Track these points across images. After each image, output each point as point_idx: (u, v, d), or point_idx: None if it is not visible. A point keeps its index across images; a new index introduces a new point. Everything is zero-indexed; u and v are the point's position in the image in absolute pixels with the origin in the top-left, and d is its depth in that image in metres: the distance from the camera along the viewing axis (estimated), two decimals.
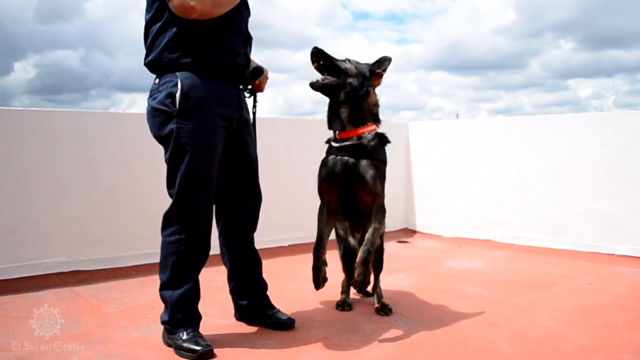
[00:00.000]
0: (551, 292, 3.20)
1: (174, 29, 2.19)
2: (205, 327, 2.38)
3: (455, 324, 2.62)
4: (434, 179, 5.32)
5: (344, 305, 2.89)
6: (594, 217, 4.15)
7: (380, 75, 2.63)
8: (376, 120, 2.65)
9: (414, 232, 5.41)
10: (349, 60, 2.62)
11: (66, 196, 3.48)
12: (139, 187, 3.74)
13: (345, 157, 2.55)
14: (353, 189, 2.56)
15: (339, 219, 2.83)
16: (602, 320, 2.65)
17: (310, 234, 4.51)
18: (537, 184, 4.50)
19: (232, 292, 2.61)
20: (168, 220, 2.27)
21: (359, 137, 2.56)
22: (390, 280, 3.39)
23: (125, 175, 3.71)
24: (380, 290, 2.92)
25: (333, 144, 2.62)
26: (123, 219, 3.69)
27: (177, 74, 2.19)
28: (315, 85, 2.56)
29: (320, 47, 2.55)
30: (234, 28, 2.32)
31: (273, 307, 2.61)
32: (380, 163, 2.59)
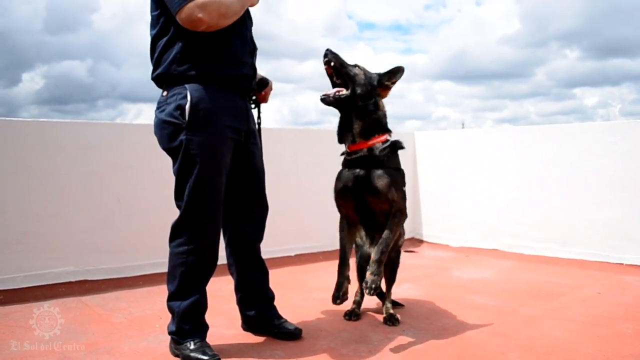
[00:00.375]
0: (560, 302, 3.18)
1: (181, 42, 2.21)
2: (213, 337, 2.37)
3: (463, 334, 2.61)
4: (440, 189, 5.31)
5: (351, 314, 2.88)
6: (602, 226, 4.12)
7: (388, 87, 2.65)
8: (387, 131, 2.64)
9: (420, 241, 5.40)
10: (358, 66, 2.62)
11: (73, 206, 3.50)
12: (145, 197, 3.76)
13: (357, 170, 2.55)
14: (367, 202, 2.56)
15: (359, 229, 2.80)
16: (611, 330, 2.63)
17: (316, 244, 4.55)
18: (545, 193, 4.48)
19: (240, 302, 2.61)
20: (176, 231, 2.27)
21: (370, 149, 2.56)
22: (398, 290, 3.37)
23: (132, 185, 3.73)
24: (390, 301, 2.91)
25: (346, 157, 2.63)
26: (130, 228, 3.70)
27: (187, 86, 2.21)
28: (326, 101, 2.58)
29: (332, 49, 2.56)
30: (239, 38, 2.35)
31: (280, 317, 2.61)
32: (393, 171, 2.58)
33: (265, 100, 2.65)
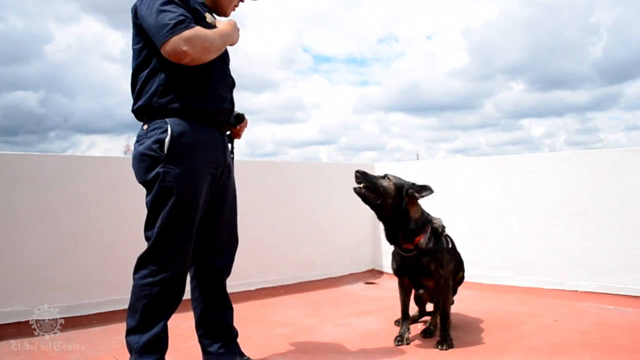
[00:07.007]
0: (520, 330, 3.21)
1: (163, 75, 2.22)
2: None
3: None
4: None
5: (402, 339, 3.02)
6: (557, 254, 4.23)
7: (414, 198, 2.90)
8: (426, 225, 2.94)
9: (381, 272, 5.40)
10: (388, 177, 2.91)
11: (24, 242, 3.35)
12: (100, 232, 3.64)
13: (409, 256, 2.90)
14: (419, 279, 2.98)
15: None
16: (571, 358, 2.67)
17: (278, 277, 4.49)
18: (501, 223, 4.58)
19: (202, 337, 2.53)
20: (143, 262, 2.21)
21: (417, 246, 2.88)
22: (360, 322, 3.35)
23: (86, 220, 3.60)
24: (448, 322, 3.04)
25: (399, 251, 2.96)
26: (84, 265, 3.57)
27: (167, 120, 2.20)
28: (360, 194, 2.86)
29: (362, 169, 2.87)
30: (220, 73, 2.38)
31: (243, 354, 2.54)
32: (438, 254, 2.92)
33: (239, 135, 2.66)
